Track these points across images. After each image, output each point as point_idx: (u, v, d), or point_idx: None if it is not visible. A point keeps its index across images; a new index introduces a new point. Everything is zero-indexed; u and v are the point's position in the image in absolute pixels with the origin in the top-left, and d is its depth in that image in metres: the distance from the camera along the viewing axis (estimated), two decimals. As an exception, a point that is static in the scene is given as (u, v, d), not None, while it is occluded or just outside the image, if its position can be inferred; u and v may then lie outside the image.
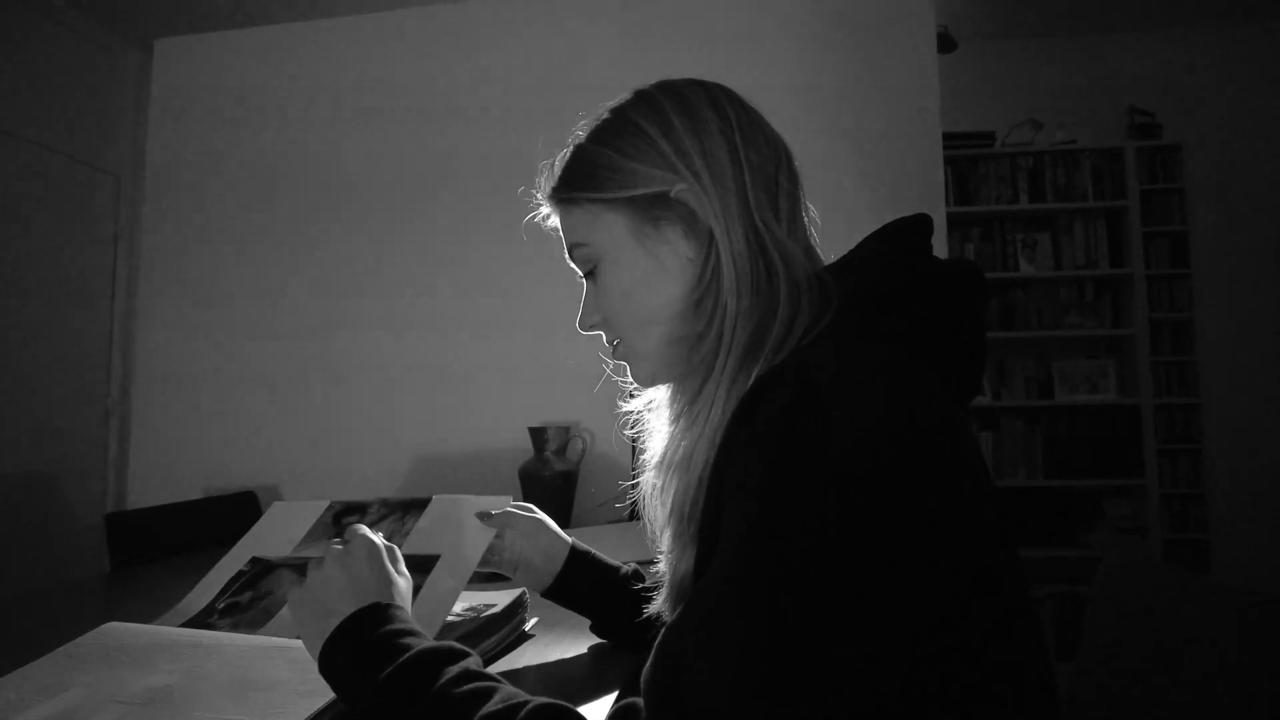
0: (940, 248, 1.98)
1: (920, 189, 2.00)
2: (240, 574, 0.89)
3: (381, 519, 0.89)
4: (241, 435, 2.28)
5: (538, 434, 1.91)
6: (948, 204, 3.25)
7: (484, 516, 0.85)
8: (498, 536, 0.84)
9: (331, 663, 0.58)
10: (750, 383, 0.54)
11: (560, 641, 0.88)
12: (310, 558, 0.82)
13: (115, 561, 1.51)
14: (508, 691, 0.52)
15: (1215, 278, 3.30)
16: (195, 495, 2.15)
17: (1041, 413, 3.23)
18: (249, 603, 0.85)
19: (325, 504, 0.95)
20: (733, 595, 0.44)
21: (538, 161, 0.71)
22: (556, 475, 1.88)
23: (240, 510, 1.90)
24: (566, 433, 1.95)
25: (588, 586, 0.85)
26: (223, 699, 0.66)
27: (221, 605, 0.86)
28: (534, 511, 0.87)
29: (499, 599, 0.90)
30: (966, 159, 3.30)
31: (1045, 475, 3.16)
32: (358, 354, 2.26)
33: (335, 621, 0.59)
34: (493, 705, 0.50)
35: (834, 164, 2.01)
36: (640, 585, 0.82)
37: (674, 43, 2.17)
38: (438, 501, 0.88)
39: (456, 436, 2.17)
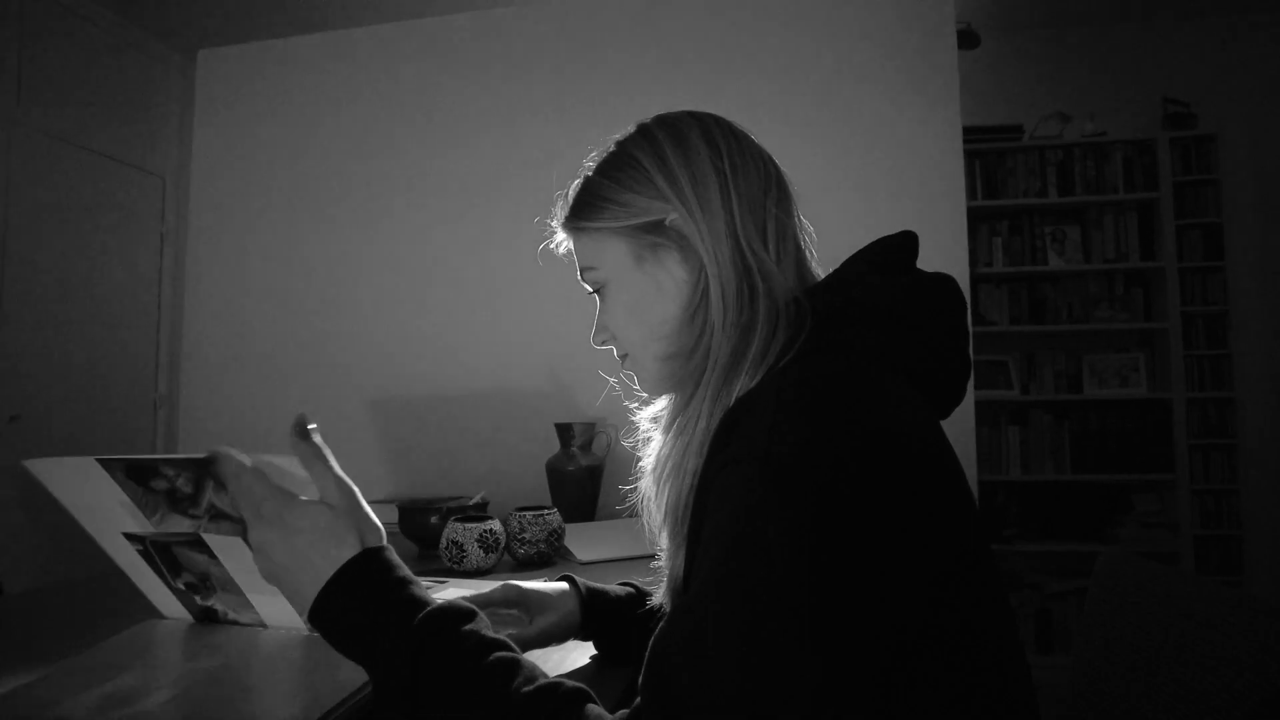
0: (958, 246, 2.00)
1: (941, 187, 2.01)
2: (148, 556, 0.81)
3: (179, 492, 0.73)
4: (283, 430, 2.37)
5: (564, 429, 1.97)
6: (976, 198, 3.25)
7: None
8: (520, 620, 0.84)
9: (333, 614, 0.58)
10: (731, 400, 0.59)
11: (563, 644, 0.89)
12: (193, 534, 0.73)
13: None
14: (530, 666, 0.54)
15: (1251, 270, 3.24)
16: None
17: (1070, 407, 3.22)
18: (203, 584, 0.81)
19: (90, 461, 0.77)
20: (716, 610, 0.47)
21: (564, 168, 0.77)
22: (582, 470, 1.93)
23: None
24: (592, 428, 2.01)
25: (605, 622, 0.86)
26: (259, 686, 0.73)
27: (183, 586, 0.83)
28: (519, 587, 0.85)
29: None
30: (994, 152, 3.29)
31: (1073, 470, 3.15)
32: (394, 351, 2.34)
33: (327, 571, 0.58)
34: (524, 683, 0.51)
35: (854, 163, 2.03)
36: (642, 608, 0.83)
37: (693, 40, 2.20)
38: (228, 465, 0.68)
39: (487, 431, 2.24)
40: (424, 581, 1.12)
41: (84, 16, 3.18)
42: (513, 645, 0.56)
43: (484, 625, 0.57)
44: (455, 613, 0.57)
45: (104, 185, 3.32)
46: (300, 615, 0.60)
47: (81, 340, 3.18)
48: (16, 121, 2.93)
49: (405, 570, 0.60)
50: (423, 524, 1.52)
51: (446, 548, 1.32)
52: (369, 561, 0.59)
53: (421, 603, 0.57)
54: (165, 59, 3.59)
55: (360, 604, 0.57)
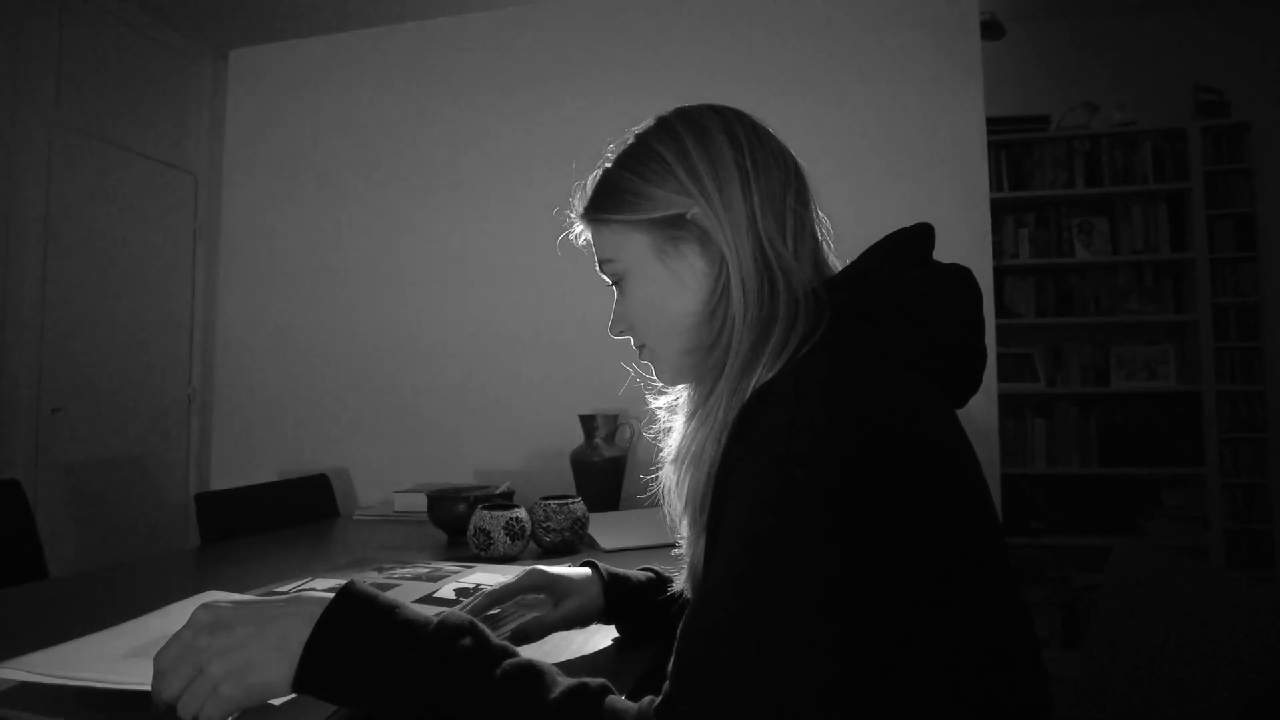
0: (982, 237, 1.99)
1: (964, 179, 2.00)
2: None
3: None
4: (314, 422, 2.42)
5: (588, 421, 2.00)
6: (1002, 189, 3.23)
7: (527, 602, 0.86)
8: (545, 605, 0.86)
9: (329, 661, 0.54)
10: (749, 391, 0.60)
11: (583, 629, 0.91)
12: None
13: (204, 537, 1.66)
14: (545, 666, 0.53)
15: (1285, 261, 3.18)
16: (271, 478, 2.31)
17: (1097, 400, 3.19)
18: None
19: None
20: (732, 605, 0.49)
21: (584, 159, 0.77)
22: (606, 461, 1.96)
23: (313, 493, 2.04)
24: (615, 420, 2.03)
25: (627, 606, 0.88)
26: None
27: None
28: (545, 572, 0.86)
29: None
30: (1020, 143, 3.25)
31: (1100, 463, 3.13)
32: (423, 345, 2.38)
33: (299, 628, 0.54)
34: (552, 687, 0.51)
35: (876, 155, 2.03)
36: (661, 594, 0.85)
37: (714, 31, 2.21)
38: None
39: (514, 423, 2.28)
40: (451, 566, 1.16)
41: (119, 18, 3.26)
42: (514, 649, 0.55)
43: (484, 632, 0.56)
44: (456, 626, 0.55)
45: (139, 183, 3.40)
46: (279, 691, 0.54)
47: (119, 335, 3.26)
48: (55, 122, 3.01)
49: (385, 595, 0.57)
50: (451, 512, 1.55)
51: (474, 535, 1.35)
52: (350, 597, 0.56)
53: (423, 623, 0.55)
54: (197, 59, 3.66)
55: (358, 642, 0.54)
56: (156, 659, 0.55)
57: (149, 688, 0.56)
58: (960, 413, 0.65)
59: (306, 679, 0.53)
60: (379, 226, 2.44)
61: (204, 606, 0.58)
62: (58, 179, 3.02)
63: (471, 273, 2.36)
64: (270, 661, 0.54)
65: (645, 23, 2.28)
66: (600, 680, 0.52)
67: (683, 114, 0.73)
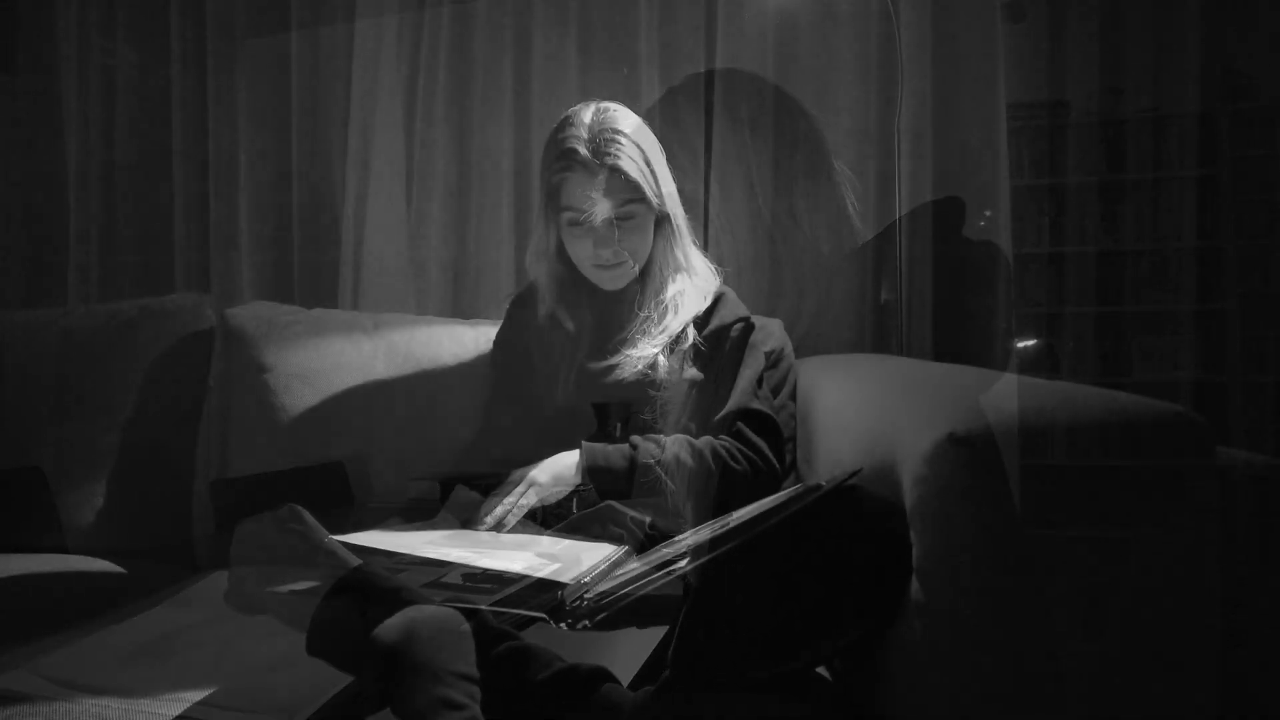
0: (1001, 226, 1.96)
1: (981, 165, 1.97)
2: None
3: None
4: (332, 410, 2.43)
5: (600, 409, 1.99)
6: (1022, 177, 3.17)
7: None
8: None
9: None
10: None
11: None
12: None
13: (218, 524, 1.67)
14: (540, 648, 0.56)
15: (1318, 248, 3.11)
16: (289, 464, 2.32)
17: (1118, 390, 3.13)
18: None
19: None
20: (743, 596, 0.49)
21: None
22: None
23: (328, 480, 2.05)
24: (628, 408, 2.02)
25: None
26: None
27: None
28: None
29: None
30: (1041, 129, 3.19)
31: (1121, 455, 3.07)
32: (437, 335, 2.38)
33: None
34: (540, 669, 0.53)
35: (889, 140, 2.00)
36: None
37: (732, 8, 2.18)
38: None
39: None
40: (458, 551, 1.16)
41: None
42: (515, 633, 0.56)
43: (486, 618, 0.57)
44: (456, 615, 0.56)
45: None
46: None
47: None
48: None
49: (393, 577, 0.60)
50: (462, 499, 1.55)
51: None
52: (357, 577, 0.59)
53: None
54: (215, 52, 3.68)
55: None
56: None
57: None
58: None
59: (313, 647, 0.57)
60: (392, 216, 2.45)
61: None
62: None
63: (485, 261, 2.36)
64: None
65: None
66: (593, 665, 0.51)
67: (690, 84, 0.72)
